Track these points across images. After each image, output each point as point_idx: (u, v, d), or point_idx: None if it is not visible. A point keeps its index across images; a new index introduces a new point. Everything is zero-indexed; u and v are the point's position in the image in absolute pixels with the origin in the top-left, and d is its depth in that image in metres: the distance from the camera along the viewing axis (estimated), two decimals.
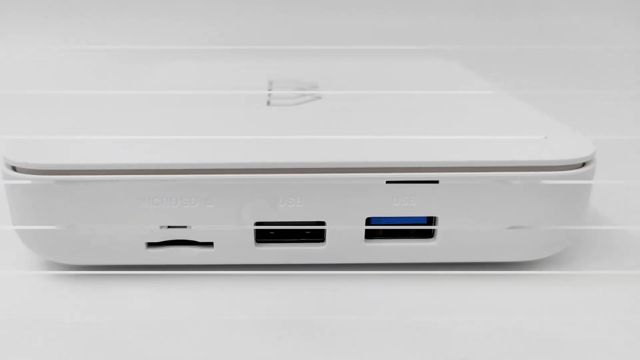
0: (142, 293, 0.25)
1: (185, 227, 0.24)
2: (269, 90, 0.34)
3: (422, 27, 0.70)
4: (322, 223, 0.24)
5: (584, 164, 0.24)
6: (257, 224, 0.24)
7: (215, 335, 0.22)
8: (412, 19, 0.71)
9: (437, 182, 0.23)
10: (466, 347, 0.22)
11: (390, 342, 0.22)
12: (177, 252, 0.25)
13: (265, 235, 0.25)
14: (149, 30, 0.71)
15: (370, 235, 0.25)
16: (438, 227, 0.24)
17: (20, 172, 0.24)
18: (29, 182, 0.23)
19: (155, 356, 0.21)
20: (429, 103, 0.31)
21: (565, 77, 0.64)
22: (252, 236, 0.25)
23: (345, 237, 0.25)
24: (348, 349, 0.22)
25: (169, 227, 0.24)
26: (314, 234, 0.25)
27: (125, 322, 0.23)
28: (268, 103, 0.31)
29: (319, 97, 0.32)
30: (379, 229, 0.25)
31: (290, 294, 0.25)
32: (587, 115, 0.43)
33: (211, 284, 0.25)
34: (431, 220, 0.25)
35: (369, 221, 0.24)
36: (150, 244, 0.25)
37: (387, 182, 0.23)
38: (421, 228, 0.25)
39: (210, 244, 0.25)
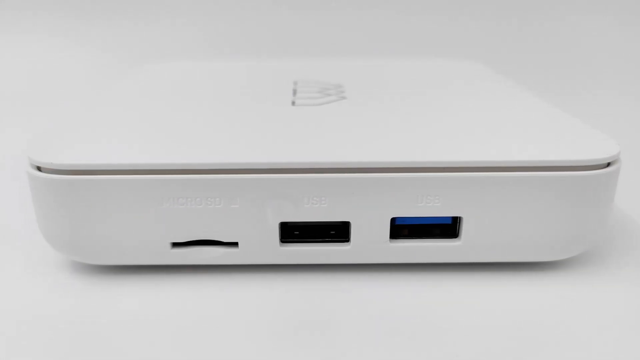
0: (165, 293, 0.25)
1: (209, 227, 0.24)
2: (294, 90, 0.34)
3: (447, 30, 0.70)
4: (347, 223, 0.24)
5: (608, 164, 0.24)
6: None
7: (239, 334, 0.22)
8: (437, 21, 0.71)
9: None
10: (487, 345, 0.22)
11: (410, 341, 0.22)
12: (201, 252, 0.25)
13: (290, 235, 0.25)
14: (170, 29, 0.71)
15: (395, 235, 0.25)
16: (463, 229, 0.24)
17: (45, 172, 0.23)
18: (53, 181, 0.23)
19: (178, 356, 0.21)
20: (454, 104, 0.31)
21: (586, 78, 0.64)
22: (277, 236, 0.25)
23: (370, 237, 0.25)
24: (366, 349, 0.22)
25: (193, 227, 0.24)
26: (339, 234, 0.25)
27: (148, 322, 0.23)
28: (293, 103, 0.31)
29: (344, 98, 0.32)
30: (403, 229, 0.25)
31: (311, 294, 0.25)
32: (610, 116, 0.44)
33: (235, 283, 0.25)
34: (456, 221, 0.25)
35: (394, 221, 0.24)
36: (175, 244, 0.25)
37: None
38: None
39: (235, 244, 0.25)
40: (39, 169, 0.24)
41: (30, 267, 0.27)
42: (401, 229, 0.25)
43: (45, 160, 0.23)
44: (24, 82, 0.64)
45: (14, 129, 0.49)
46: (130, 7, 0.71)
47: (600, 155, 0.24)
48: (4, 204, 0.34)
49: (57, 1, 0.71)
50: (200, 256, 0.25)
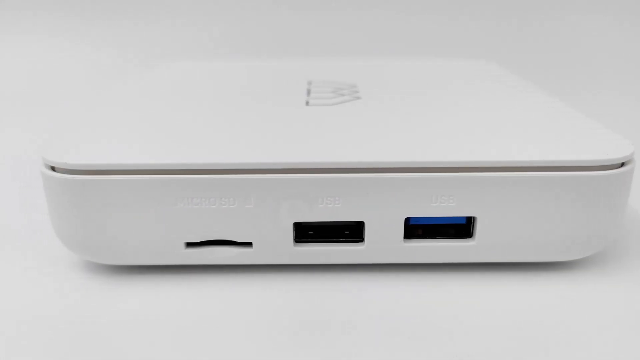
0: (179, 293, 0.25)
1: (223, 227, 0.24)
2: (308, 90, 0.34)
3: (462, 30, 0.70)
4: (361, 223, 0.24)
5: (622, 164, 0.24)
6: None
7: (253, 334, 0.22)
8: (449, 21, 0.71)
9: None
10: (502, 345, 0.22)
11: (426, 341, 0.22)
12: (215, 252, 0.25)
13: (304, 235, 0.25)
14: (180, 29, 0.71)
15: (409, 235, 0.25)
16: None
17: (60, 172, 0.23)
18: (68, 182, 0.23)
19: (195, 356, 0.21)
20: (469, 103, 0.31)
21: (586, 78, 0.64)
22: (291, 236, 0.24)
23: (384, 237, 0.25)
24: (381, 349, 0.22)
25: (207, 227, 0.24)
26: (353, 234, 0.25)
27: (161, 322, 0.23)
28: (307, 103, 0.31)
29: (358, 98, 0.32)
30: (417, 229, 0.25)
31: (325, 294, 0.25)
32: (610, 115, 0.44)
33: (249, 283, 0.25)
34: (470, 221, 0.25)
35: (408, 221, 0.24)
36: (189, 244, 0.25)
37: None
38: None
39: (249, 244, 0.25)
40: (53, 169, 0.24)
41: (41, 267, 0.27)
42: (415, 229, 0.25)
43: (59, 160, 0.23)
44: (24, 82, 0.64)
45: (14, 129, 0.49)
46: (131, 7, 0.71)
47: (614, 155, 0.24)
48: (6, 203, 0.34)
49: (57, 1, 0.71)
50: (214, 256, 0.25)
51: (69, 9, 0.72)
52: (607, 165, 0.24)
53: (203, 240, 0.25)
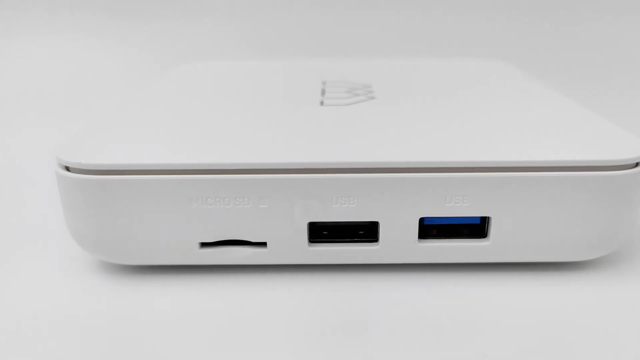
0: (193, 293, 0.25)
1: (238, 227, 0.24)
2: (323, 90, 0.34)
3: (477, 30, 0.70)
4: (376, 223, 0.24)
5: (637, 164, 0.24)
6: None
7: (266, 334, 0.22)
8: (467, 21, 0.71)
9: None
10: (518, 345, 0.22)
11: (439, 341, 0.22)
12: (230, 252, 0.25)
13: (318, 235, 0.25)
14: (195, 31, 0.71)
15: (423, 235, 0.25)
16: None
17: (74, 172, 0.23)
18: (82, 182, 0.23)
19: (206, 356, 0.21)
20: (482, 104, 0.31)
21: (615, 78, 0.64)
22: (305, 236, 0.24)
23: (398, 237, 0.25)
24: (394, 349, 0.22)
25: (221, 227, 0.24)
26: (368, 234, 0.25)
27: (175, 323, 0.23)
28: (321, 103, 0.31)
29: (372, 98, 0.32)
30: (432, 229, 0.25)
31: (339, 294, 0.25)
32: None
33: (263, 283, 0.25)
34: (484, 221, 0.25)
35: (423, 221, 0.24)
36: (204, 244, 0.25)
37: None
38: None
39: (264, 244, 0.25)
40: (67, 169, 0.24)
41: (58, 267, 0.27)
42: (430, 229, 0.25)
43: (73, 160, 0.23)
44: (60, 82, 0.64)
45: (50, 129, 0.49)
46: (167, 8, 0.71)
47: (629, 155, 0.24)
48: (35, 204, 0.34)
49: (94, 1, 0.71)
50: (229, 256, 0.25)
51: (105, 9, 0.72)
52: (621, 165, 0.24)
53: (218, 240, 0.25)
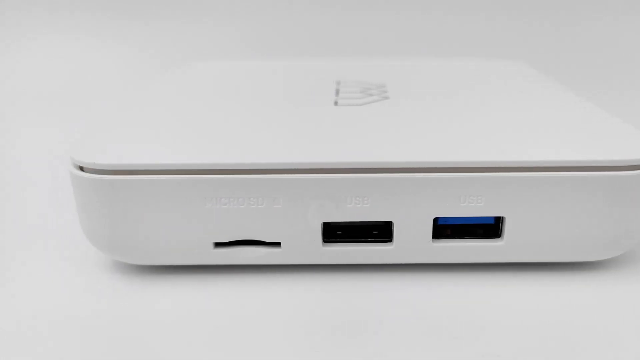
0: (207, 293, 0.25)
1: (252, 227, 0.24)
2: (337, 90, 0.34)
3: (489, 30, 0.70)
4: (390, 223, 0.24)
5: None
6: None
7: (280, 334, 0.22)
8: (479, 21, 0.71)
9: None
10: (530, 345, 0.22)
11: (452, 341, 0.22)
12: (244, 252, 0.25)
13: (332, 235, 0.25)
14: (207, 29, 0.71)
15: (437, 235, 0.25)
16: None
17: (88, 172, 0.23)
18: (96, 181, 0.23)
19: (217, 355, 0.21)
20: (496, 104, 0.31)
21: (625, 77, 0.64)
22: (319, 236, 0.24)
23: (412, 237, 0.25)
24: (407, 348, 0.22)
25: (235, 227, 0.24)
26: (382, 234, 0.25)
27: (189, 322, 0.23)
28: (335, 103, 0.31)
29: (386, 98, 0.32)
30: (446, 229, 0.25)
31: (353, 294, 0.25)
32: None
33: (277, 283, 0.25)
34: (499, 221, 0.25)
35: (437, 221, 0.24)
36: (218, 244, 0.25)
37: None
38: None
39: (278, 244, 0.25)
40: (81, 168, 0.23)
41: (58, 267, 0.27)
42: (444, 229, 0.25)
43: (87, 160, 0.23)
44: (60, 82, 0.64)
45: (51, 129, 0.49)
46: (167, 8, 0.71)
47: None
48: (35, 204, 0.34)
49: (94, 1, 0.71)
50: (243, 256, 0.25)
51: (106, 9, 0.71)
52: (636, 165, 0.24)
53: (232, 240, 0.25)
